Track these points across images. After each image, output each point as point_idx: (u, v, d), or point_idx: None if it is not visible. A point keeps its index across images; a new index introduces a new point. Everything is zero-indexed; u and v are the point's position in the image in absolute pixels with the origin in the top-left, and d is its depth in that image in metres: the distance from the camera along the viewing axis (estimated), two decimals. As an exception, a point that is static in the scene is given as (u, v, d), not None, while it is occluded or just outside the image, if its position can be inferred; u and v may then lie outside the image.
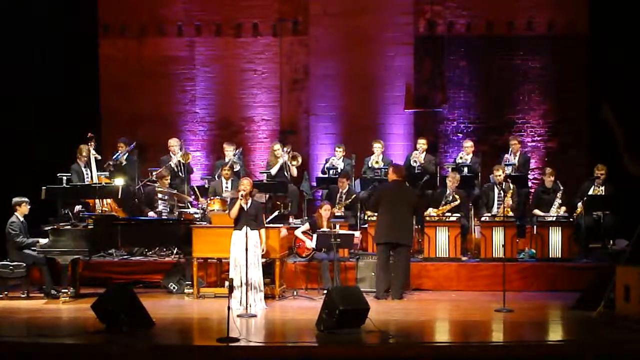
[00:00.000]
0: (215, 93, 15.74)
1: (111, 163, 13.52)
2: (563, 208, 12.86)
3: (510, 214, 12.46)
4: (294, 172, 13.87)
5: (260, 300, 10.56)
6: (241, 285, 10.32)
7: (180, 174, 13.66)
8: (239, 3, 15.61)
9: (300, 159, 13.88)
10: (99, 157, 13.44)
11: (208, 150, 15.63)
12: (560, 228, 12.49)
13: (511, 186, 12.80)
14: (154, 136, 14.99)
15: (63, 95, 14.33)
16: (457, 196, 12.71)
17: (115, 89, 15.52)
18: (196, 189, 13.55)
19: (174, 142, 13.93)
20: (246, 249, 10.22)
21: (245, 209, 10.54)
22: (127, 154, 13.80)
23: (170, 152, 13.85)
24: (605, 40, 14.38)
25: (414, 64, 15.31)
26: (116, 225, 11.62)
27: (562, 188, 12.93)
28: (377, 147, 13.88)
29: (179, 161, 13.67)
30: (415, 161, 13.76)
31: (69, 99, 14.38)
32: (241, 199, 10.51)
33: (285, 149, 13.86)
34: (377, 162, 13.76)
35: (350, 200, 13.11)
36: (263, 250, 10.71)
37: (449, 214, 12.63)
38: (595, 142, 14.46)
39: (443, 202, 12.78)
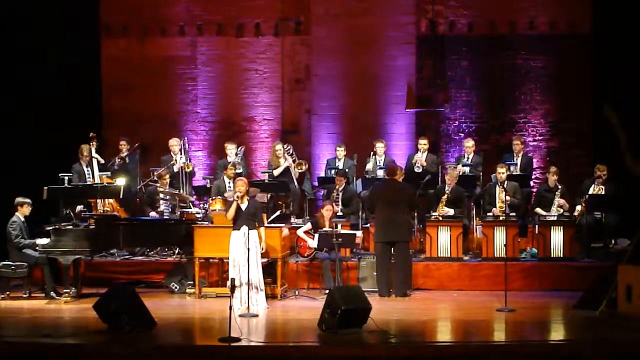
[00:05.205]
0: (217, 93, 15.73)
1: (117, 160, 13.57)
2: (566, 206, 12.85)
3: (505, 209, 12.42)
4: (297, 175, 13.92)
5: (262, 299, 10.57)
6: (240, 285, 10.34)
7: (182, 179, 13.64)
8: (241, 3, 15.59)
9: (305, 167, 13.91)
10: (102, 161, 13.47)
11: (209, 150, 15.61)
12: (562, 227, 12.49)
13: (513, 184, 12.80)
14: (156, 136, 14.97)
15: (65, 95, 14.33)
16: (447, 190, 12.70)
17: (117, 89, 15.51)
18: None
19: (174, 142, 13.92)
20: (246, 249, 10.25)
21: (243, 209, 10.56)
22: (129, 154, 13.84)
23: (171, 152, 13.85)
24: (607, 40, 14.35)
25: (415, 64, 15.29)
26: (118, 225, 11.65)
27: (559, 187, 12.91)
28: (379, 146, 13.86)
29: (181, 168, 13.63)
30: (417, 164, 13.71)
31: (71, 99, 14.37)
32: (237, 200, 10.54)
33: (286, 146, 13.88)
34: (378, 162, 13.74)
35: (340, 197, 13.10)
36: (262, 249, 10.72)
37: (450, 212, 12.60)
38: (597, 141, 14.44)
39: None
